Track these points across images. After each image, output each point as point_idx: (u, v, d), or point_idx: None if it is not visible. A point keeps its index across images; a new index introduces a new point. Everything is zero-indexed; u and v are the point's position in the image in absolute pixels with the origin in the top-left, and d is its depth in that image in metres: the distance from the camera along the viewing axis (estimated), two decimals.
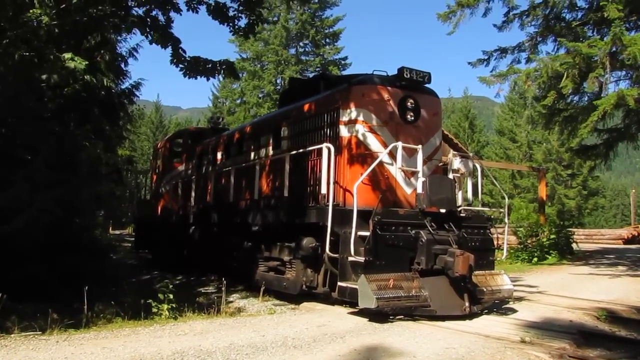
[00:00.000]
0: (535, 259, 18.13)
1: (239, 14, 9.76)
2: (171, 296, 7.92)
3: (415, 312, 7.26)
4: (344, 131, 8.68)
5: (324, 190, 8.05)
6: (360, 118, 8.54)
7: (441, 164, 9.50)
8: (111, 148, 14.98)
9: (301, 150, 9.14)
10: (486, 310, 8.01)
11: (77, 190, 10.70)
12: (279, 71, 38.44)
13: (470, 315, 7.52)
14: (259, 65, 39.52)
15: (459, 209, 8.83)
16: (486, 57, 17.54)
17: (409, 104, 8.90)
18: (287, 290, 9.27)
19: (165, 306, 7.82)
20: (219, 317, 7.80)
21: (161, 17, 9.32)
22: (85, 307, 7.40)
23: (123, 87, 14.59)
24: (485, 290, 7.90)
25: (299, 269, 8.91)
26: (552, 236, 19.18)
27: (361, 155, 8.49)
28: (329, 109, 9.11)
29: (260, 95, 39.09)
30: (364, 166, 8.21)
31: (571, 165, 49.21)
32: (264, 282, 9.89)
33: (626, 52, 12.64)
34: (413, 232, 7.68)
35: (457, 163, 9.14)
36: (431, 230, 7.70)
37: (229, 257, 11.71)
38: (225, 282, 9.06)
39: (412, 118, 8.93)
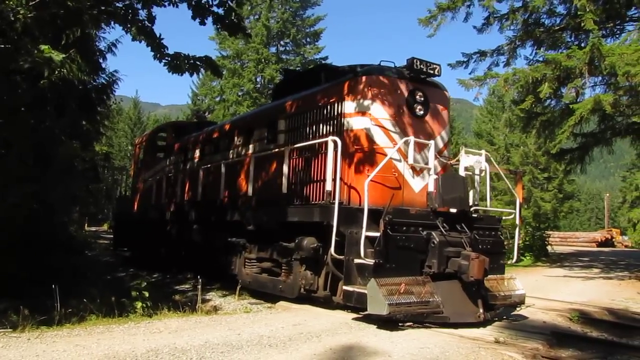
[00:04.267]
0: (510, 261, 18.27)
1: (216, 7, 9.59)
2: (146, 294, 7.86)
3: (427, 319, 6.79)
4: (349, 124, 8.18)
5: (328, 187, 7.66)
6: (367, 111, 8.03)
7: (452, 161, 9.05)
8: (88, 143, 14.84)
9: (302, 144, 8.73)
10: (496, 318, 7.64)
11: (52, 186, 10.56)
12: (259, 69, 38.27)
13: None
14: (239, 63, 39.32)
15: (471, 209, 8.30)
16: (465, 60, 17.64)
17: (418, 97, 8.41)
18: (282, 294, 8.79)
19: (139, 304, 7.75)
20: (194, 315, 7.76)
21: (142, 12, 9.24)
22: (58, 304, 7.30)
23: (101, 81, 14.46)
24: (497, 295, 7.57)
25: (297, 271, 8.38)
26: (528, 238, 19.41)
27: (368, 150, 7.97)
28: (333, 100, 8.57)
29: (239, 94, 38.87)
30: (371, 162, 7.79)
31: (547, 168, 49.82)
32: (250, 283, 9.59)
33: (605, 62, 12.78)
34: (424, 233, 7.24)
35: (469, 160, 8.66)
36: (444, 232, 7.26)
37: (216, 257, 11.14)
38: (201, 280, 8.99)
39: (422, 112, 8.44)
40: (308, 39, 40.09)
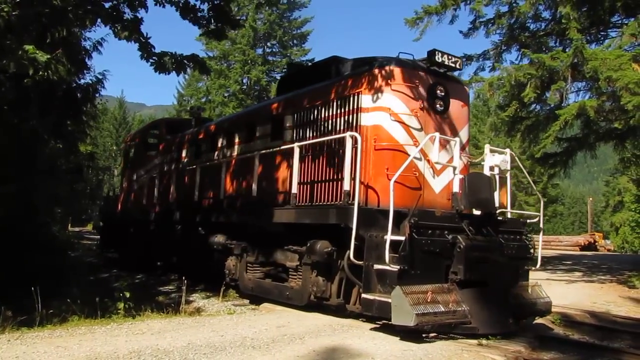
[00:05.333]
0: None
1: (209, 17, 9.61)
2: (128, 295, 7.80)
3: (454, 329, 6.33)
4: (366, 119, 7.62)
5: (346, 187, 7.13)
6: (387, 105, 7.51)
7: (477, 159, 8.64)
8: (73, 144, 14.73)
9: (315, 141, 8.22)
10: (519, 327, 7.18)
11: (35, 186, 10.47)
12: (245, 71, 38.28)
13: None
14: (225, 64, 39.30)
15: (497, 212, 7.83)
16: None
17: (438, 91, 7.93)
18: (290, 301, 8.25)
19: (122, 304, 7.69)
20: (178, 316, 7.73)
21: (127, 11, 9.20)
22: (40, 305, 7.23)
23: (86, 81, 14.34)
24: (524, 303, 7.12)
25: (307, 277, 7.85)
26: None
27: (387, 147, 7.44)
28: (349, 93, 8.00)
29: (225, 95, 38.85)
30: (391, 160, 7.34)
31: (532, 172, 50.18)
32: (252, 289, 9.14)
33: (587, 65, 12.97)
34: (450, 237, 6.69)
35: (495, 159, 8.07)
36: (470, 235, 6.76)
37: (213, 260, 10.54)
38: (185, 281, 8.94)
39: (442, 108, 7.96)
40: (295, 41, 40.15)
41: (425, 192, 7.57)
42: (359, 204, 6.84)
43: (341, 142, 7.51)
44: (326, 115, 8.41)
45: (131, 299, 7.91)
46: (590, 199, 61.53)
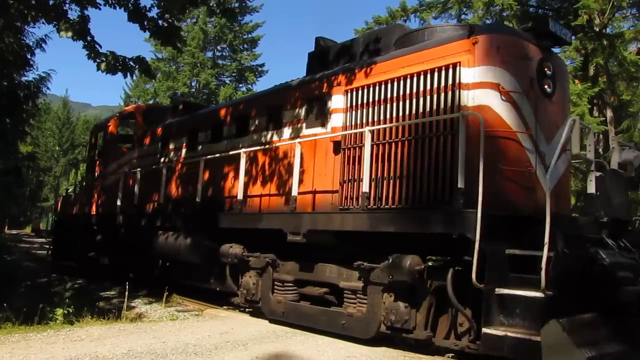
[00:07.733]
0: None
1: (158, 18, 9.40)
2: (67, 300, 7.58)
3: None
4: (467, 98, 5.97)
5: (460, 184, 5.46)
6: (495, 80, 5.93)
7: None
8: (11, 143, 14.25)
9: (395, 124, 6.51)
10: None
11: None
12: (194, 74, 37.85)
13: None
14: (174, 67, 38.81)
15: (634, 220, 6.60)
16: None
17: (546, 69, 6.42)
18: (347, 332, 6.57)
19: (60, 310, 7.46)
20: (118, 322, 7.57)
21: (75, 8, 8.96)
22: None
23: (29, 78, 13.92)
24: None
25: (376, 302, 6.29)
26: None
27: (497, 134, 5.80)
28: (441, 65, 6.27)
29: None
30: (503, 151, 5.84)
31: None
32: (284, 315, 7.51)
33: None
34: (590, 250, 5.17)
35: (627, 155, 6.62)
36: (614, 250, 5.41)
37: (218, 275, 9.01)
38: (128, 286, 8.74)
39: (550, 90, 6.43)
40: (245, 45, 39.94)
41: (538, 192, 5.93)
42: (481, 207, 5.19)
43: (446, 125, 6.02)
44: (403, 93, 6.65)
45: (71, 304, 7.68)
46: None
